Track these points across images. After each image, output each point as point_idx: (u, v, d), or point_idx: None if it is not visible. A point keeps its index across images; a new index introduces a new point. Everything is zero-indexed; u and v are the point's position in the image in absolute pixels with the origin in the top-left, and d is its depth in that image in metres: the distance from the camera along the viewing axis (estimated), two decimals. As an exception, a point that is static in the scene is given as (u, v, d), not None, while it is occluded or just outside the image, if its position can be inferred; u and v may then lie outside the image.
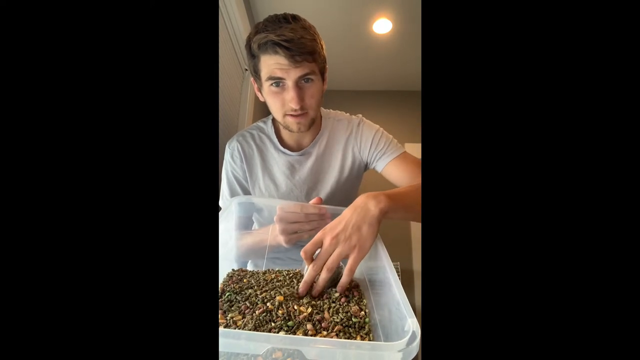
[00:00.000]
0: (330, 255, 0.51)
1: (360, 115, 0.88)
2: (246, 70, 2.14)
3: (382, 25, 2.19)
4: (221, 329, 0.33)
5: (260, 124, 0.88)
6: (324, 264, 0.51)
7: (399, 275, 2.06)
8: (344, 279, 0.51)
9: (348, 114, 0.90)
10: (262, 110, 2.57)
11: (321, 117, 0.86)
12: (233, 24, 1.79)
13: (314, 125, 0.81)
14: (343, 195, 0.86)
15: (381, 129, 0.86)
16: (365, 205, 0.54)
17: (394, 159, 0.81)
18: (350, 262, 0.51)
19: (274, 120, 0.86)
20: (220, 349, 0.32)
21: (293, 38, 0.65)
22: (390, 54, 2.41)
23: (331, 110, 0.90)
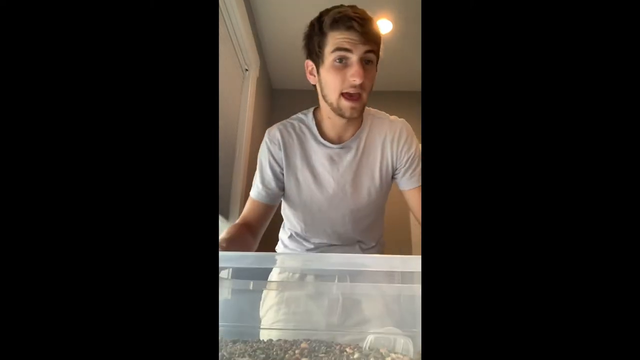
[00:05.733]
0: None
1: (403, 119, 0.88)
2: (246, 70, 2.13)
3: (383, 26, 2.19)
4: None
5: (301, 115, 0.88)
6: None
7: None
8: None
9: (387, 114, 0.90)
10: (263, 111, 2.57)
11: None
12: (233, 23, 1.79)
13: (357, 119, 0.82)
14: (376, 197, 0.85)
15: (420, 145, 0.85)
16: None
17: (421, 187, 0.81)
18: None
19: (315, 112, 0.86)
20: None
21: (365, 18, 0.71)
22: (390, 54, 2.41)
23: (371, 108, 0.89)
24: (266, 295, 0.77)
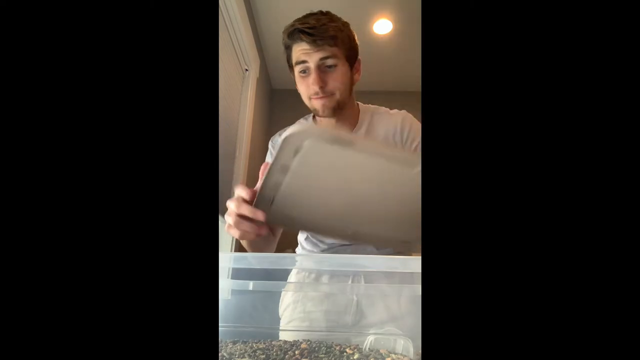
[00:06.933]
0: None
1: (404, 110, 0.88)
2: (246, 70, 2.14)
3: (383, 26, 2.19)
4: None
5: (302, 120, 0.92)
6: None
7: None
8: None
9: (387, 108, 0.91)
10: (263, 111, 2.57)
11: (359, 111, 0.87)
12: (233, 24, 1.79)
13: (350, 117, 0.83)
14: None
15: None
16: None
17: None
18: None
19: (314, 117, 0.89)
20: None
21: (315, 25, 0.73)
22: (390, 54, 2.41)
23: (371, 105, 0.90)
24: (284, 295, 0.79)
